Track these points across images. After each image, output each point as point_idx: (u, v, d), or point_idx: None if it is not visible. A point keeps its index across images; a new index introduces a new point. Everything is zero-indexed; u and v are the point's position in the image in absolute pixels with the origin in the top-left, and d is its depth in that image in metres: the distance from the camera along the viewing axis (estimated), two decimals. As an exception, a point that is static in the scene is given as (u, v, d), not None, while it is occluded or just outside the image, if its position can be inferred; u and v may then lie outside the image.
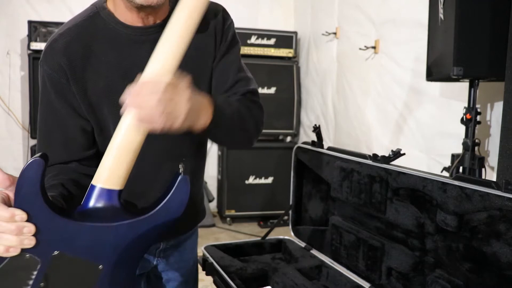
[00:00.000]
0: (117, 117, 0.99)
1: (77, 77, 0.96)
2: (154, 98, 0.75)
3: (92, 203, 0.79)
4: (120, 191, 0.80)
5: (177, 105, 0.77)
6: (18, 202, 0.71)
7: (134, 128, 0.78)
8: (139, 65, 0.99)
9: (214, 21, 1.06)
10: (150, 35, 0.99)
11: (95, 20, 0.99)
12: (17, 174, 0.77)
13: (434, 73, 1.98)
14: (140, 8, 0.93)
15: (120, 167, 0.79)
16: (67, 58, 0.95)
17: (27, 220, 0.71)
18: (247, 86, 1.08)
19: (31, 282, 0.75)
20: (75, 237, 0.76)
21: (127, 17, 0.98)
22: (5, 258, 0.74)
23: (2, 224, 0.69)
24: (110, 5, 0.99)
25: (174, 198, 0.79)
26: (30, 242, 0.72)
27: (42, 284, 0.76)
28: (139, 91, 0.76)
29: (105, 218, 0.78)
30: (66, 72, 0.95)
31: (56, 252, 0.76)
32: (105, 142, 1.02)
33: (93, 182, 0.80)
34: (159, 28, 0.99)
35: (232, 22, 1.10)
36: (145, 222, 0.78)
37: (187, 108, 0.78)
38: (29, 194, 0.71)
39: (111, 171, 0.79)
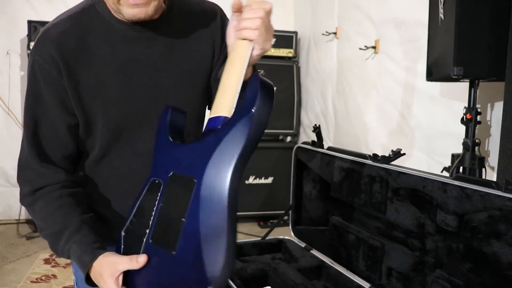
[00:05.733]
0: (106, 112, 0.98)
1: (69, 69, 0.94)
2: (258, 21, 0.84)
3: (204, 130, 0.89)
4: (226, 118, 0.87)
5: (270, 29, 0.87)
6: (158, 131, 0.95)
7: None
8: (133, 61, 0.98)
9: (213, 22, 1.07)
10: (145, 32, 0.99)
11: (90, 13, 0.97)
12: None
13: (434, 73, 1.98)
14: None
15: (228, 98, 0.87)
16: (60, 49, 0.93)
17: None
18: None
19: (157, 202, 0.89)
20: (180, 157, 0.89)
21: None
22: (144, 187, 0.92)
23: None
24: None
25: (246, 94, 0.84)
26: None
27: (162, 204, 0.88)
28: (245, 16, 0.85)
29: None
30: (58, 63, 0.93)
31: (170, 173, 0.88)
32: (89, 139, 1.01)
33: (211, 115, 0.88)
34: (153, 25, 0.99)
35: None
36: (226, 127, 0.83)
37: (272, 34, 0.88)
38: (161, 129, 0.95)
39: (223, 103, 0.87)
